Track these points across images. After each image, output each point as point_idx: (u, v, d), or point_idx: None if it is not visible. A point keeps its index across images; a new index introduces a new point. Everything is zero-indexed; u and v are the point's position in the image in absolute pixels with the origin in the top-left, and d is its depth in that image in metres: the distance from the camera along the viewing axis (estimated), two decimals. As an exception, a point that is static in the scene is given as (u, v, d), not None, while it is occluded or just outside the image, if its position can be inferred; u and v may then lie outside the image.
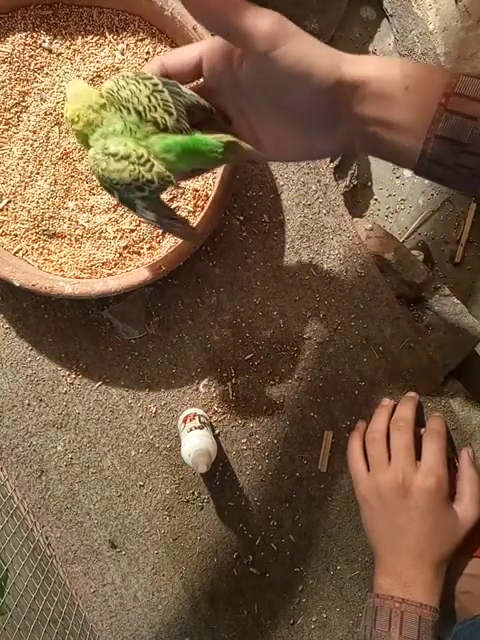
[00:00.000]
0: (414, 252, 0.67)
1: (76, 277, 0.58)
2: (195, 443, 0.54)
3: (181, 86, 0.40)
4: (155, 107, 0.39)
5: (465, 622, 0.51)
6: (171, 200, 0.58)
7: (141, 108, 0.39)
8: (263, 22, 0.33)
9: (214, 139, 0.39)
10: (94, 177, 0.55)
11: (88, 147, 0.41)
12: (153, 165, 0.39)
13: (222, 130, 0.41)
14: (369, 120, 0.35)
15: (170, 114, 0.39)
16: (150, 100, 0.39)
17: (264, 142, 0.41)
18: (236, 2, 0.34)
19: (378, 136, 0.36)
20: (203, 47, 0.39)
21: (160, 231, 0.58)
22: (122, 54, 0.56)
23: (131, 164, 0.38)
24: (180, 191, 0.58)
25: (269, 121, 0.39)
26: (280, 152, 0.41)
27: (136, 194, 0.40)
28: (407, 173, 0.71)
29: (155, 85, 0.39)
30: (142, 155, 0.38)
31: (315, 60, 0.34)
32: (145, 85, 0.39)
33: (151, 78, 0.40)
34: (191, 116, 0.40)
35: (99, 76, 0.56)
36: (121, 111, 0.39)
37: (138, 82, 0.39)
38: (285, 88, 0.35)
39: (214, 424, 0.63)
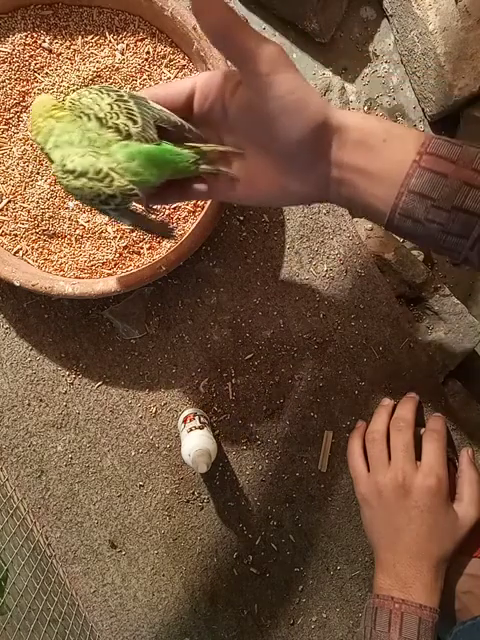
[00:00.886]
0: (414, 252, 0.67)
1: (76, 277, 0.58)
2: (195, 443, 0.54)
3: (150, 101, 0.39)
4: (117, 114, 0.37)
5: (465, 623, 0.51)
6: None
7: (102, 114, 0.37)
8: (267, 46, 0.35)
9: (185, 149, 0.38)
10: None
11: (51, 160, 0.40)
12: (112, 180, 0.37)
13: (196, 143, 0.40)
14: (347, 166, 0.36)
15: (134, 122, 0.37)
16: (112, 108, 0.38)
17: (242, 182, 0.41)
18: (244, 23, 0.35)
19: (354, 184, 0.37)
20: (198, 79, 0.40)
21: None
22: (122, 54, 0.56)
23: (89, 180, 0.37)
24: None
25: (251, 158, 0.40)
26: (253, 192, 0.41)
27: (103, 207, 0.39)
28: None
29: (120, 96, 0.38)
30: (100, 170, 0.37)
31: (309, 95, 0.35)
32: (108, 95, 0.38)
33: (118, 91, 0.39)
34: (161, 131, 0.39)
35: (99, 76, 0.56)
36: (81, 118, 0.38)
37: (102, 92, 0.38)
38: (276, 117, 0.36)
39: (214, 424, 0.63)
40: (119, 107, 0.37)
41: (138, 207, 0.45)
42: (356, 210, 0.40)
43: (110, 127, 0.37)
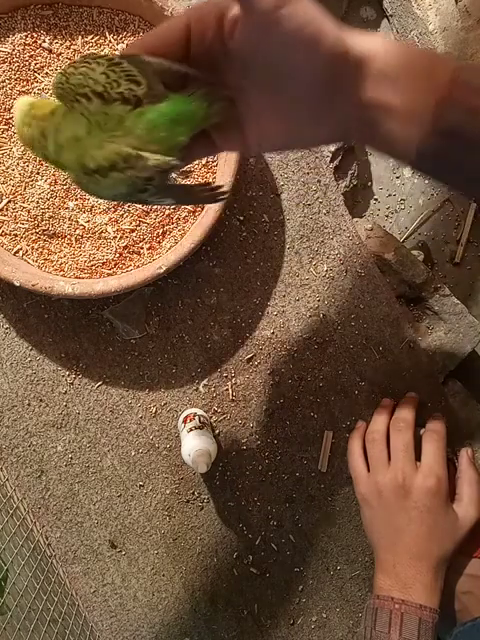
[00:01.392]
0: (414, 252, 0.67)
1: (76, 277, 0.58)
2: (195, 443, 0.54)
3: (144, 55, 0.33)
4: (117, 81, 0.31)
5: (466, 623, 0.51)
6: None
7: (100, 88, 0.31)
8: None
9: (196, 93, 0.33)
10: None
11: (63, 168, 0.34)
12: (146, 160, 0.31)
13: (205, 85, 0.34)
14: (369, 102, 0.31)
15: (137, 83, 0.31)
16: (108, 76, 0.31)
17: (248, 129, 0.35)
18: None
19: (377, 122, 0.32)
20: (191, 13, 0.33)
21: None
22: (122, 54, 0.56)
23: (121, 171, 0.31)
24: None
25: (257, 102, 0.34)
26: (266, 140, 0.36)
27: (141, 196, 0.34)
28: (407, 173, 0.71)
29: (111, 59, 0.32)
30: (128, 154, 0.31)
31: (324, 26, 0.29)
32: (97, 63, 0.32)
33: (106, 55, 0.33)
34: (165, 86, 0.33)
35: (99, 76, 0.56)
36: (78, 102, 0.32)
37: (89, 62, 0.32)
38: (286, 56, 0.31)
39: (214, 424, 0.63)
40: (115, 73, 0.31)
41: (174, 178, 0.38)
42: (379, 150, 0.35)
43: (115, 99, 0.31)
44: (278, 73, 0.32)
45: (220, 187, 0.37)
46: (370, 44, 0.31)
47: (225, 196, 0.39)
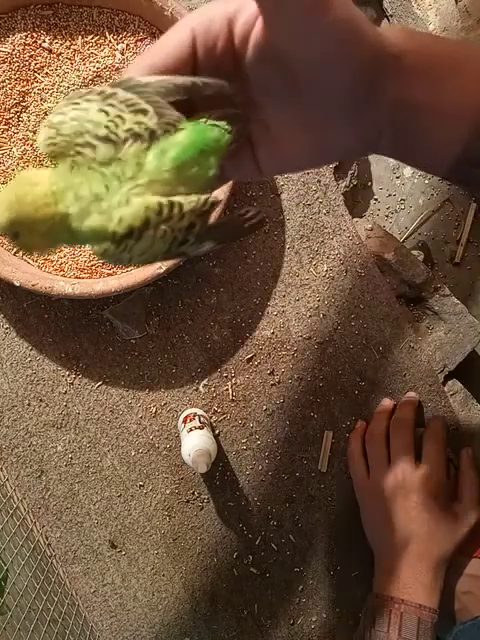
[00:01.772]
0: (414, 252, 0.67)
1: (76, 277, 0.58)
2: (195, 443, 0.54)
3: (139, 78, 0.28)
4: (120, 116, 0.26)
5: (466, 623, 0.51)
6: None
7: (103, 131, 0.25)
8: None
9: (214, 114, 0.28)
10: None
11: (84, 242, 0.28)
12: (181, 206, 0.26)
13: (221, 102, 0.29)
14: (405, 104, 0.27)
15: (145, 112, 0.26)
16: (107, 113, 0.26)
17: (264, 152, 0.31)
18: None
19: (413, 125, 0.28)
20: (195, 23, 0.29)
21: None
22: (122, 54, 0.56)
23: (157, 228, 0.26)
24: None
25: (277, 119, 0.30)
26: (284, 162, 0.32)
27: (182, 249, 0.28)
28: (407, 173, 0.71)
29: (101, 92, 0.27)
30: (160, 205, 0.26)
31: (363, 23, 0.25)
32: (88, 100, 0.26)
33: (94, 89, 0.27)
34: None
35: (99, 76, 0.56)
36: (80, 154, 0.26)
37: (78, 103, 0.26)
38: (322, 61, 0.26)
39: (214, 424, 0.63)
40: (114, 106, 0.26)
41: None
42: (412, 159, 0.31)
43: (125, 140, 0.26)
44: (310, 81, 0.27)
45: (259, 212, 0.33)
46: (409, 40, 0.27)
47: (265, 220, 0.33)
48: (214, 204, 0.27)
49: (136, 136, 0.26)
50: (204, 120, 0.28)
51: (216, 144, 0.28)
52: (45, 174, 0.26)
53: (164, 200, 0.26)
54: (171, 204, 0.26)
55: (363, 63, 0.26)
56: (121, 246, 0.26)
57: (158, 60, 0.29)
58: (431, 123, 0.28)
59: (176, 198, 0.26)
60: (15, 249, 0.57)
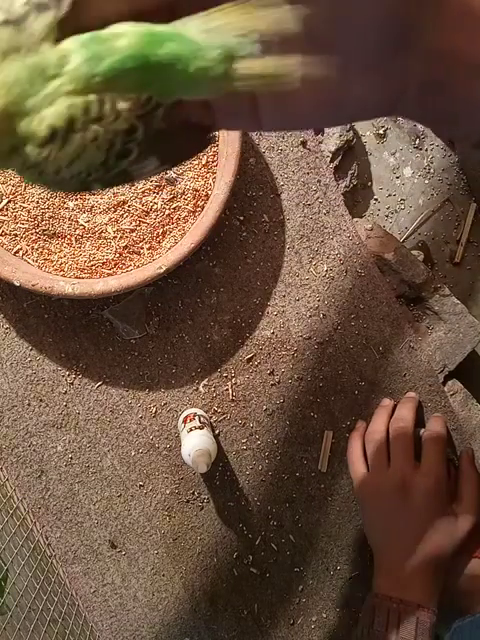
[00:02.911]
0: (414, 252, 0.67)
1: (76, 277, 0.58)
2: (195, 443, 0.54)
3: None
4: None
5: (465, 618, 0.51)
6: (171, 200, 0.58)
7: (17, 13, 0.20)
8: None
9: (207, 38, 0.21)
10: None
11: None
12: (113, 102, 0.21)
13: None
14: (442, 53, 0.23)
15: None
16: None
17: (266, 98, 0.24)
18: None
19: (450, 78, 0.23)
20: None
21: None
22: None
23: (85, 131, 0.21)
24: (179, 191, 0.56)
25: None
26: (287, 112, 0.25)
27: (123, 165, 0.23)
28: (407, 173, 0.71)
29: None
30: (88, 102, 0.20)
31: None
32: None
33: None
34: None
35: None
36: None
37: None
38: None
39: (214, 424, 0.63)
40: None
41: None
42: (439, 122, 0.26)
43: (25, 15, 0.20)
44: (330, 20, 0.22)
45: (207, 115, 0.24)
46: None
47: (212, 127, 0.26)
48: (159, 104, 0.21)
49: (39, 6, 0.20)
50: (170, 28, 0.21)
51: (177, 63, 0.21)
52: None
53: (92, 97, 0.20)
54: (101, 101, 0.20)
55: (398, 5, 0.22)
56: (45, 152, 0.21)
57: None
58: (466, 74, 0.23)
59: (108, 95, 0.20)
60: (15, 249, 0.57)
